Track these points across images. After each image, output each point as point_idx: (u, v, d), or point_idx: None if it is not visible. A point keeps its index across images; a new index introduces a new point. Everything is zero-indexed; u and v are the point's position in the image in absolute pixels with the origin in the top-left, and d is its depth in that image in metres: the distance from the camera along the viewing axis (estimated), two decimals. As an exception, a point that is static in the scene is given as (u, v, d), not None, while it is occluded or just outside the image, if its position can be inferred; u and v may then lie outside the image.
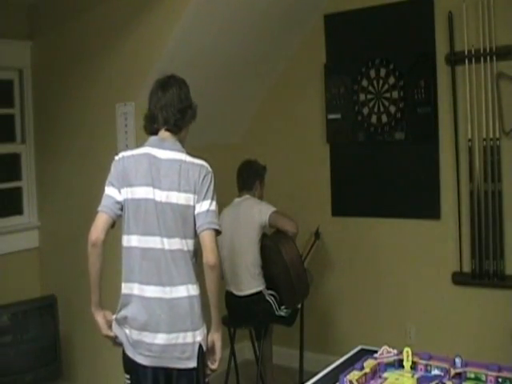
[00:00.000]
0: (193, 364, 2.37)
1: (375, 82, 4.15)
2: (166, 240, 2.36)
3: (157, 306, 2.35)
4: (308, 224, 4.18)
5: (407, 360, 2.06)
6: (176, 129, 2.45)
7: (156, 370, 2.37)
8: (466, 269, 3.88)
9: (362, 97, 4.22)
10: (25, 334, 3.77)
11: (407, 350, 2.07)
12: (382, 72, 4.12)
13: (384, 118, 4.13)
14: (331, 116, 4.36)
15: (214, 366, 2.50)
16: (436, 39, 3.90)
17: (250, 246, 3.73)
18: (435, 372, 2.04)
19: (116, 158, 2.48)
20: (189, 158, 2.43)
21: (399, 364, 2.10)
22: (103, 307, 2.47)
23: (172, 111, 2.42)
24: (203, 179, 2.40)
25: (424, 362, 2.07)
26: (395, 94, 4.07)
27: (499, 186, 3.75)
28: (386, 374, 2.05)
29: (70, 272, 3.96)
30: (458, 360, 2.00)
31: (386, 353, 2.14)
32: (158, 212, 2.36)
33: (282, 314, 3.78)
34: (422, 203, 4.04)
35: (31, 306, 3.87)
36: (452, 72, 3.86)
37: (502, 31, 3.66)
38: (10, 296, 3.81)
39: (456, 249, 3.90)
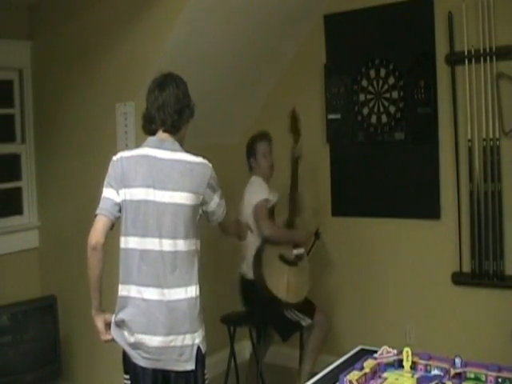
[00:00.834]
0: (191, 366, 2.36)
1: (375, 82, 4.16)
2: (165, 241, 2.34)
3: (155, 308, 2.33)
4: (308, 224, 4.18)
5: (407, 360, 2.06)
6: (174, 129, 2.43)
7: (155, 371, 2.36)
8: (466, 269, 3.88)
9: (362, 97, 4.22)
10: (25, 334, 3.77)
11: (407, 350, 2.07)
12: (382, 72, 4.12)
13: (384, 118, 4.13)
14: (331, 116, 4.36)
15: None
16: (436, 39, 3.90)
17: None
18: (435, 372, 2.04)
19: (114, 158, 2.44)
20: (189, 157, 2.42)
21: (399, 364, 2.10)
22: (104, 310, 2.46)
23: (169, 112, 2.40)
24: (209, 180, 2.41)
25: (424, 362, 2.06)
26: (395, 94, 4.07)
27: (499, 186, 3.75)
28: (385, 374, 2.05)
29: (70, 272, 3.96)
30: (457, 360, 2.00)
31: (385, 353, 2.14)
32: (159, 213, 2.34)
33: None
34: (421, 203, 4.04)
35: (31, 306, 3.87)
36: (452, 72, 3.86)
37: (502, 31, 3.66)
38: (10, 296, 3.81)
39: (456, 249, 3.90)
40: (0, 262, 3.91)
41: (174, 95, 2.41)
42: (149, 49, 3.62)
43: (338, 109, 4.33)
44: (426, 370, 2.05)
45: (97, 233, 2.35)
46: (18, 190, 4.25)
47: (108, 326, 2.44)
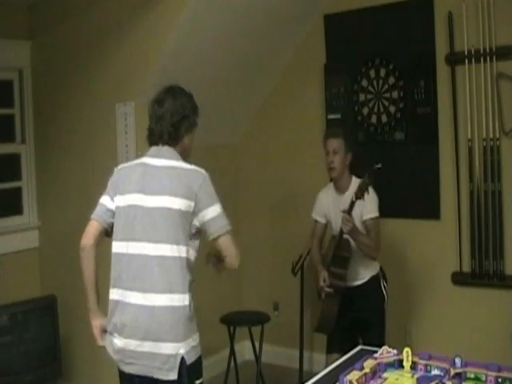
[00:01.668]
0: (173, 376, 2.31)
1: (375, 82, 4.16)
2: (150, 245, 2.33)
3: (138, 312, 2.32)
4: (308, 224, 4.18)
5: (407, 360, 2.06)
6: (172, 142, 2.46)
7: (142, 379, 2.34)
8: (466, 269, 3.88)
9: (362, 97, 4.22)
10: (25, 334, 3.77)
11: (407, 350, 2.06)
12: (382, 72, 4.12)
13: (384, 118, 4.13)
14: (331, 116, 4.36)
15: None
16: (436, 39, 3.90)
17: None
18: (435, 372, 2.04)
19: (115, 169, 2.53)
20: (184, 165, 2.43)
21: (399, 364, 2.10)
22: (101, 314, 2.47)
23: (165, 125, 2.44)
24: (200, 186, 2.38)
25: (424, 362, 2.06)
26: (395, 94, 4.07)
27: (499, 186, 3.75)
28: (385, 374, 2.05)
29: (70, 272, 3.93)
30: (457, 360, 2.00)
31: (385, 353, 2.14)
32: (147, 218, 2.35)
33: None
34: (422, 203, 4.04)
35: (31, 306, 3.87)
36: (452, 72, 3.86)
37: (501, 31, 3.66)
38: (10, 296, 3.81)
39: (456, 249, 3.90)
40: (0, 262, 3.91)
41: (170, 109, 2.45)
42: (149, 49, 3.62)
43: (338, 109, 4.33)
44: (426, 370, 2.05)
45: (87, 235, 2.46)
46: (18, 190, 4.26)
47: (104, 331, 2.45)
